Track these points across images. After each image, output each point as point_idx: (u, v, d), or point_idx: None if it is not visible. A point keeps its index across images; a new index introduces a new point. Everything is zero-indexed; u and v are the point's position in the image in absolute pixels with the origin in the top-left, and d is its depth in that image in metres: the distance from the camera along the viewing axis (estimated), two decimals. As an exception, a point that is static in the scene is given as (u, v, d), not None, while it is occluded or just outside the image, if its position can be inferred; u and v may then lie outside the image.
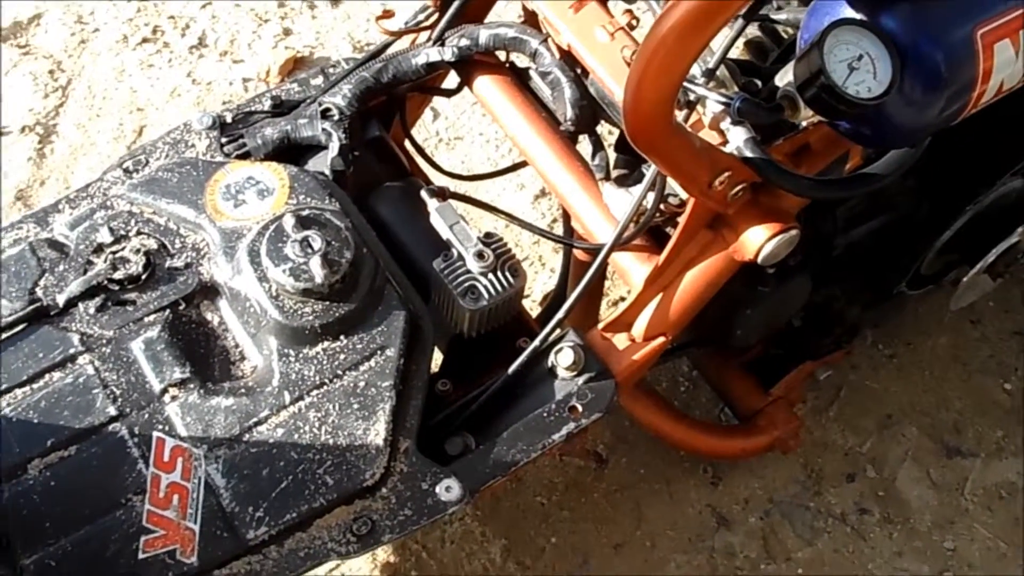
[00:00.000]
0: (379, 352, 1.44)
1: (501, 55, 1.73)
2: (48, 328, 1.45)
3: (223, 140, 1.64)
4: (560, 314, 1.49)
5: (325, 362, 1.43)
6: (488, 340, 1.55)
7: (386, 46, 1.74)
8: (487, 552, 1.88)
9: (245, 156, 1.63)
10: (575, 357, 1.49)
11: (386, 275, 1.49)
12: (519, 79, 1.71)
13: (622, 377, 1.52)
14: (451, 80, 1.80)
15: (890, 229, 1.76)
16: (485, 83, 1.71)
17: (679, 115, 1.42)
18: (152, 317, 1.46)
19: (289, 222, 1.45)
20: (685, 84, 1.35)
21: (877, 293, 1.87)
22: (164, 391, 1.41)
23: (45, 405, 1.40)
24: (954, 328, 2.16)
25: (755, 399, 1.91)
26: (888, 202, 1.73)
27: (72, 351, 1.43)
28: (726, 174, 1.34)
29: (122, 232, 1.52)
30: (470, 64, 1.71)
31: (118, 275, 1.47)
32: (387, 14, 1.73)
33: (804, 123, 1.37)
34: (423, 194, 1.56)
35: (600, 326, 1.56)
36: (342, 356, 1.44)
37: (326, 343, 1.44)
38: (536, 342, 1.49)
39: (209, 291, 1.50)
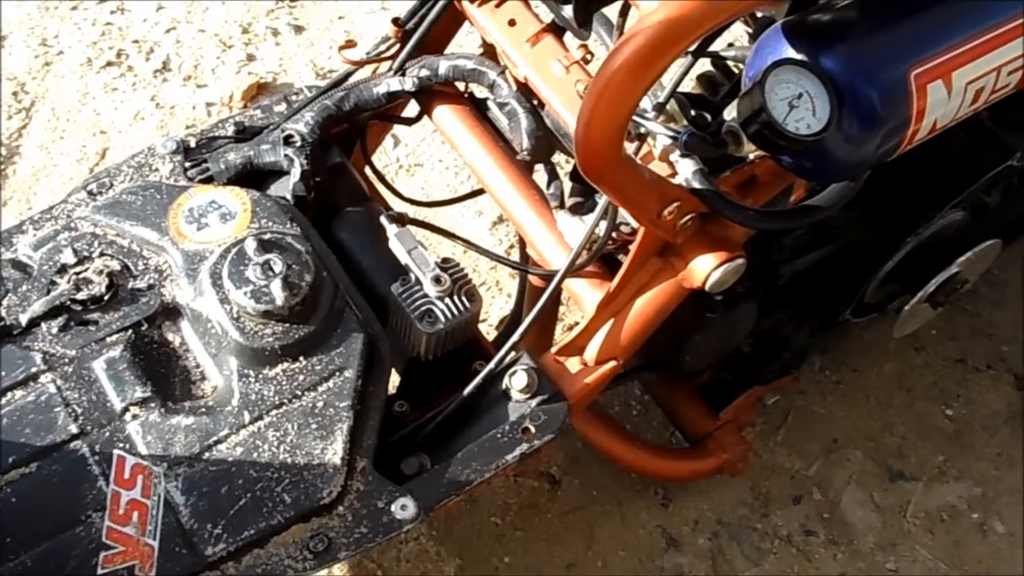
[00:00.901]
0: (337, 373, 1.46)
1: (460, 86, 1.75)
2: (11, 347, 1.45)
3: (187, 164, 1.65)
4: (514, 338, 1.51)
5: (285, 382, 1.45)
6: (444, 363, 1.57)
7: (348, 75, 1.76)
8: (442, 571, 1.88)
9: (208, 180, 1.64)
10: (528, 380, 1.51)
11: (345, 298, 1.51)
12: (477, 109, 1.74)
13: (574, 400, 1.54)
14: (411, 109, 1.82)
15: (835, 258, 1.78)
16: (444, 112, 1.74)
17: (630, 147, 1.46)
18: (114, 337, 1.47)
19: (251, 245, 1.47)
20: (636, 118, 1.39)
21: (823, 320, 1.89)
22: (125, 410, 1.42)
23: (7, 423, 1.40)
24: (898, 355, 2.19)
25: (705, 423, 1.92)
26: (833, 232, 1.76)
27: (34, 370, 1.44)
28: (675, 204, 1.37)
29: (85, 253, 1.53)
30: (430, 94, 1.74)
31: (81, 295, 1.49)
32: (349, 44, 1.75)
33: (752, 156, 1.40)
34: (382, 220, 1.58)
35: (553, 350, 1.58)
36: (301, 377, 1.45)
37: (286, 364, 1.46)
38: (491, 365, 1.51)
39: (171, 312, 1.51)
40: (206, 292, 1.47)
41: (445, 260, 1.54)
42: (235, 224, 1.55)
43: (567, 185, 1.66)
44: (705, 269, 1.46)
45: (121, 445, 1.40)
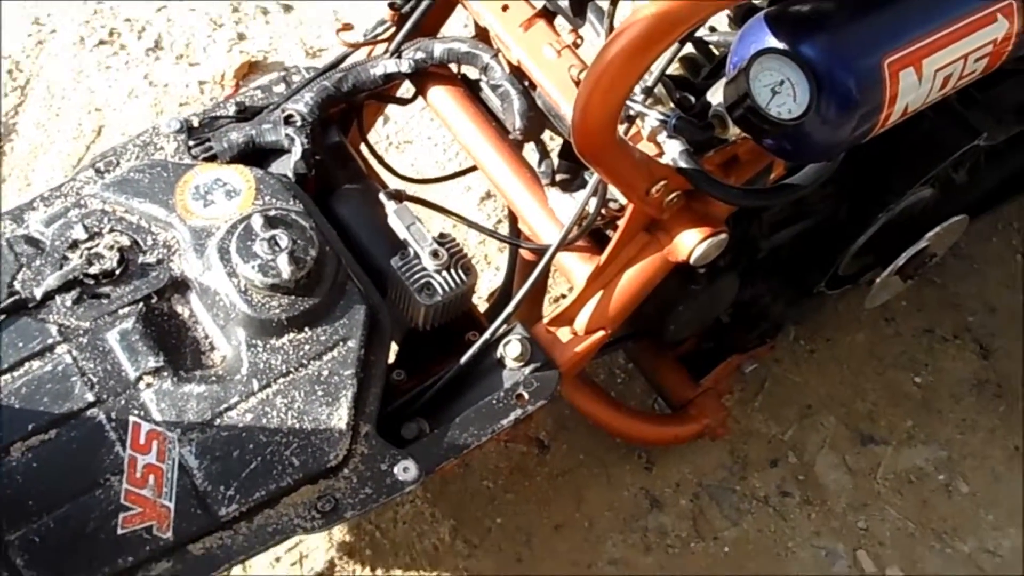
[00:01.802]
0: (341, 343, 1.48)
1: (454, 68, 1.77)
2: (27, 319, 1.46)
3: (190, 143, 1.66)
4: (509, 308, 1.54)
5: (291, 352, 1.47)
6: (440, 334, 1.59)
7: (345, 57, 1.77)
8: (437, 532, 1.91)
9: (212, 159, 1.65)
10: (522, 349, 1.53)
11: (347, 272, 1.53)
12: (470, 90, 1.75)
13: (565, 368, 1.57)
14: (406, 89, 1.83)
15: (811, 233, 1.81)
16: (439, 93, 1.75)
17: (620, 128, 1.46)
18: (126, 309, 1.48)
19: (258, 221, 1.48)
20: (627, 101, 1.40)
21: (799, 292, 1.92)
22: (139, 379, 1.43)
23: (26, 391, 1.41)
24: (870, 325, 2.22)
25: (686, 390, 1.95)
26: (809, 209, 1.79)
27: (50, 341, 1.45)
28: (662, 183, 1.41)
29: (96, 229, 1.53)
30: (424, 75, 1.75)
31: (93, 270, 1.49)
32: (346, 27, 1.75)
33: (733, 137, 1.43)
34: (381, 196, 1.59)
35: (545, 321, 1.60)
36: (307, 347, 1.47)
37: (292, 334, 1.47)
38: (487, 335, 1.53)
39: (180, 286, 1.52)
40: (214, 266, 1.48)
41: (442, 235, 1.56)
42: (240, 201, 1.56)
43: (556, 163, 1.68)
44: (690, 244, 1.49)
45: (136, 412, 1.42)
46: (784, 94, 1.26)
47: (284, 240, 1.48)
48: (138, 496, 1.38)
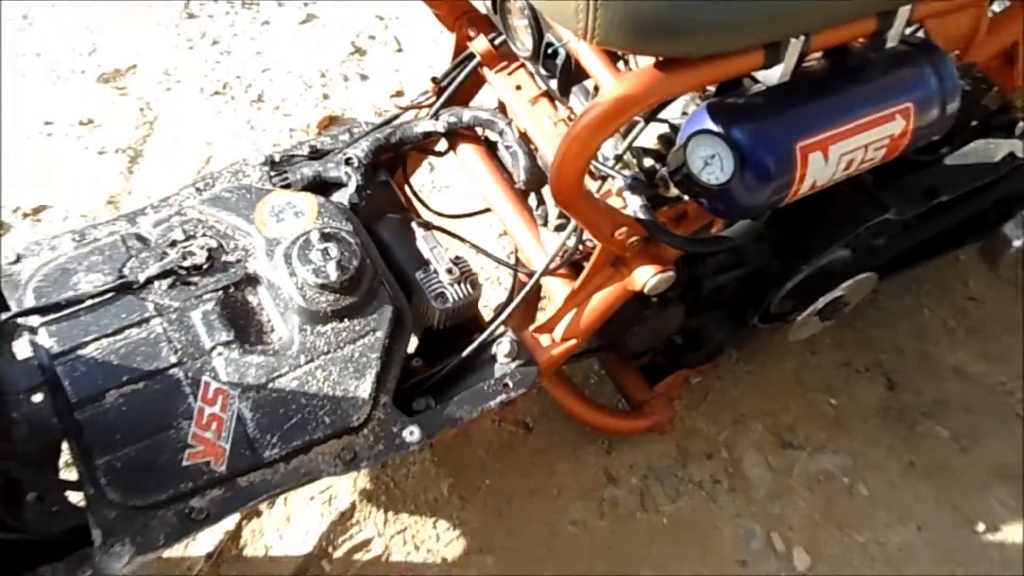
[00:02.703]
0: (371, 332, 1.49)
1: (479, 130, 1.79)
2: (131, 297, 1.48)
3: (271, 174, 1.67)
4: (502, 316, 1.56)
5: (332, 337, 1.48)
6: (451, 332, 1.61)
7: (396, 116, 1.80)
8: (438, 487, 1.91)
9: (287, 187, 1.66)
10: (511, 348, 1.55)
11: (381, 279, 1.54)
12: (489, 149, 1.77)
13: (544, 365, 1.58)
14: (441, 145, 1.84)
15: (748, 278, 1.80)
16: (466, 150, 1.77)
17: (595, 184, 1.52)
18: (209, 295, 1.49)
19: (315, 236, 1.50)
20: (599, 165, 1.45)
21: (738, 323, 1.90)
22: (213, 348, 1.45)
23: (124, 351, 1.42)
24: (798, 355, 2.20)
25: (643, 393, 1.96)
26: (747, 259, 1.78)
27: (147, 315, 1.46)
28: (624, 228, 1.42)
29: (191, 232, 1.55)
30: (456, 135, 1.77)
31: (186, 263, 1.51)
32: (399, 93, 1.80)
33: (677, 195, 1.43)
34: (413, 225, 1.63)
35: (531, 328, 1.62)
36: (345, 333, 1.48)
37: (334, 323, 1.48)
38: (484, 335, 1.55)
39: (252, 280, 1.53)
40: (279, 267, 1.50)
41: (457, 257, 1.59)
42: (305, 220, 1.57)
43: (551, 209, 1.70)
44: (644, 277, 1.49)
45: (208, 373, 1.42)
46: (714, 165, 1.27)
47: (334, 251, 1.50)
48: (202, 438, 1.39)
